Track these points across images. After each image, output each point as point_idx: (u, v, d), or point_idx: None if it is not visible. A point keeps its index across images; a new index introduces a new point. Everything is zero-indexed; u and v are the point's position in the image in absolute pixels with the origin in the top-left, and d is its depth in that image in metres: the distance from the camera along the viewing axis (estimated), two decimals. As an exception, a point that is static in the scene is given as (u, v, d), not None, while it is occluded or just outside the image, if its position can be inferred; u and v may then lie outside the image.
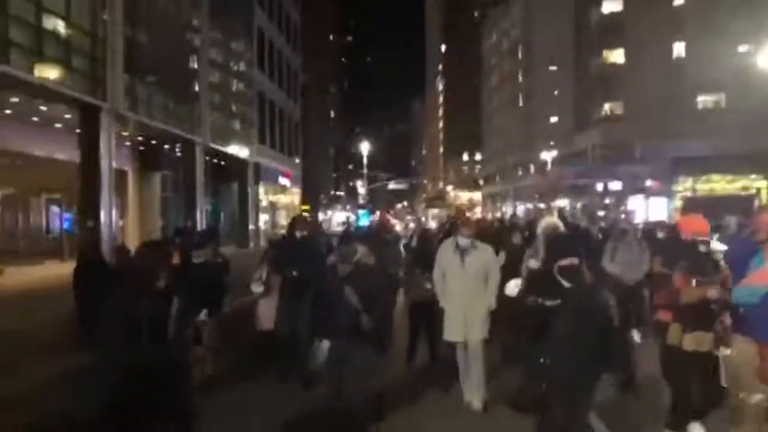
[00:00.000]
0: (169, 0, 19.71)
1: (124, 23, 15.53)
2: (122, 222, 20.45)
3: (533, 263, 5.96)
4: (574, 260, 4.02)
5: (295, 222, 7.65)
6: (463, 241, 5.82)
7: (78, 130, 15.20)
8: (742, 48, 35.17)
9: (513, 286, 5.45)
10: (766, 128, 32.52)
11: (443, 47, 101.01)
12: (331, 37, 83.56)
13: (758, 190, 35.98)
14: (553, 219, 6.92)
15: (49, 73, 12.45)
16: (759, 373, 4.36)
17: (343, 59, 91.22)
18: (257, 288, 7.03)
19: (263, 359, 7.04)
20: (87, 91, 13.94)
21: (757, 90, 28.33)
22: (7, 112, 14.34)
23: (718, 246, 5.78)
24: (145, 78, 17.28)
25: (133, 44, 16.43)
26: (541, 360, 4.02)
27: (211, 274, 6.82)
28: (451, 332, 5.84)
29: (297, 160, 41.87)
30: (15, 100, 13.53)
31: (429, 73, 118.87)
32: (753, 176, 37.73)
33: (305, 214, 42.17)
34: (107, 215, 14.79)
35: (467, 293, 5.74)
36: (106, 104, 14.71)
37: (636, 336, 7.49)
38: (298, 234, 7.25)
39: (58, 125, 16.54)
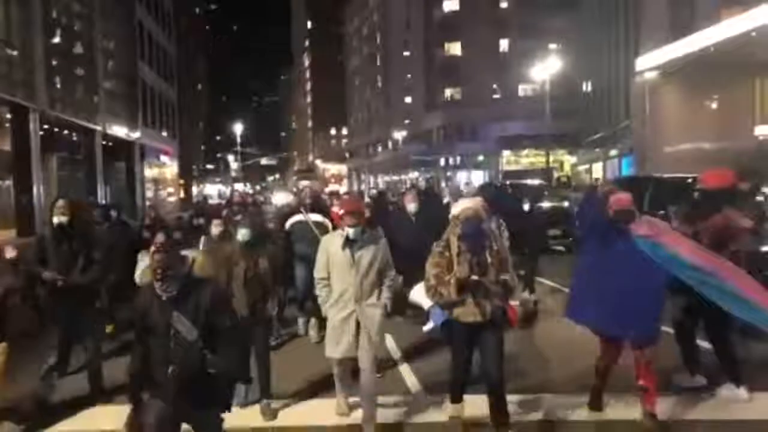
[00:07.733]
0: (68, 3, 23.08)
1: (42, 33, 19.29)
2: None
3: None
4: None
5: (54, 206, 5.37)
6: (353, 232, 4.51)
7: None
8: (552, 45, 43.78)
9: (420, 291, 4.70)
10: (571, 113, 41.57)
11: (309, 24, 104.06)
12: (197, 10, 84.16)
13: (561, 163, 45.33)
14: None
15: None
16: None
17: (207, 27, 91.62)
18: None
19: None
20: (21, 96, 17.80)
21: (562, 81, 36.80)
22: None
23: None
24: (59, 79, 21.06)
25: (49, 49, 20.11)
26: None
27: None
28: (338, 346, 4.56)
29: (173, 137, 45.08)
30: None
31: (295, 46, 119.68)
32: (561, 151, 47.12)
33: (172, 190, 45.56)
34: (38, 191, 18.75)
35: (360, 294, 4.55)
36: (34, 104, 18.48)
37: None
38: (55, 220, 5.24)
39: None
